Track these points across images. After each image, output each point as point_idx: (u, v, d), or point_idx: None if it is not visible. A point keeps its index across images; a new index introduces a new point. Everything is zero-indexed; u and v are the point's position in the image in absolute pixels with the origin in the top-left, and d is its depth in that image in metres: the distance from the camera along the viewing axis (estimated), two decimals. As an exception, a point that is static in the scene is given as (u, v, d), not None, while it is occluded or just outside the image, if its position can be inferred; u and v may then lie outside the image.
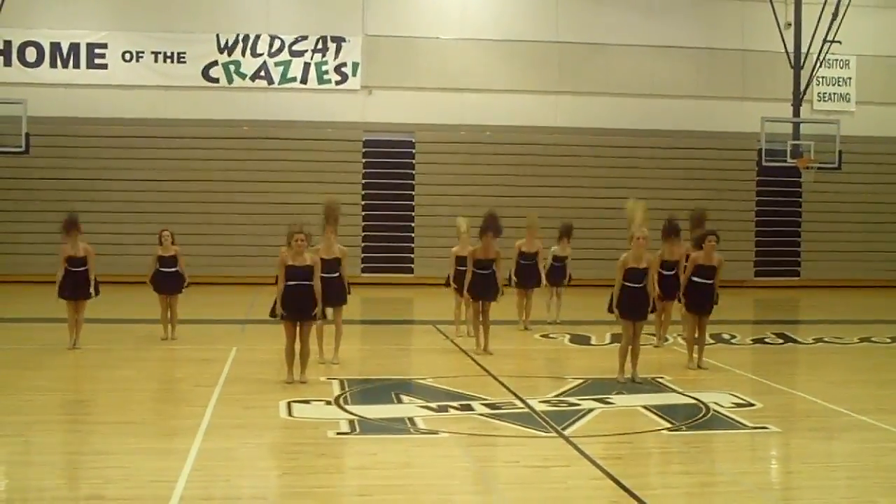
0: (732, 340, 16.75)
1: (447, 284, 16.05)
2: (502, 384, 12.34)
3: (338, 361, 13.69)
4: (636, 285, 12.46)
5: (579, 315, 18.60)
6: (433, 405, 11.03)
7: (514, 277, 17.48)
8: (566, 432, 9.72)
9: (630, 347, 12.61)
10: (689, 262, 13.74)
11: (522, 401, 11.21)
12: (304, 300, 12.00)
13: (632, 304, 12.51)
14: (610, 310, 12.75)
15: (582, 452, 8.91)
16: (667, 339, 16.02)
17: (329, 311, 13.34)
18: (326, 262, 12.81)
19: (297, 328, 12.11)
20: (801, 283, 28.58)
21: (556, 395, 11.66)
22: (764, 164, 26.47)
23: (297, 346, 12.14)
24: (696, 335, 13.73)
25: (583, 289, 19.68)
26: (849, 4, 25.64)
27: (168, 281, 15.67)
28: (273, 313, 12.20)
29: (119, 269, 22.54)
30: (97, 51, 27.46)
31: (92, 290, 14.71)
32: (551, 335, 17.04)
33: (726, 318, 16.94)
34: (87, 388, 11.90)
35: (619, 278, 12.51)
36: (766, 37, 27.55)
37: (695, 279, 13.56)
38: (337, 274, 13.20)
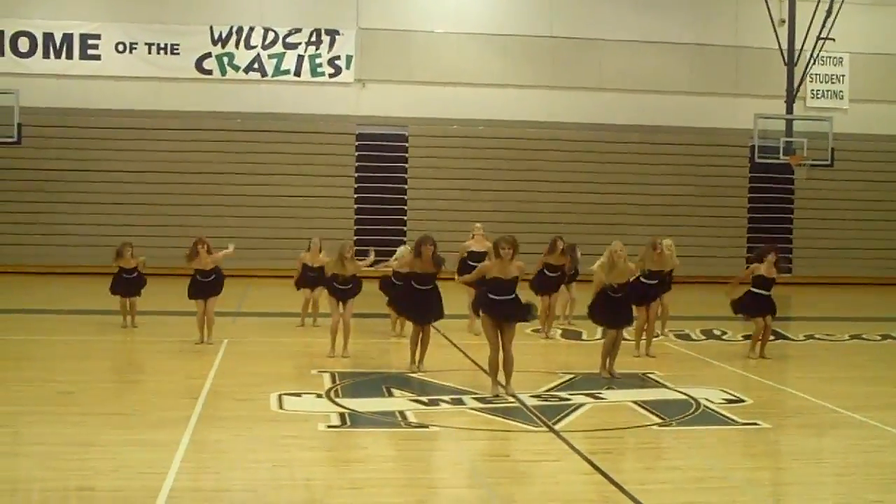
0: (724, 336, 16.76)
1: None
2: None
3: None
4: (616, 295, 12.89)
5: (575, 310, 18.49)
6: (424, 399, 11.02)
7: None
8: (557, 427, 9.72)
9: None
10: (747, 273, 14.67)
11: (513, 395, 11.20)
12: (509, 309, 11.37)
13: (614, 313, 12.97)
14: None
15: (572, 447, 8.92)
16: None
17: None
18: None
19: (500, 336, 11.38)
20: (792, 280, 28.51)
21: (547, 390, 11.66)
22: (757, 160, 26.49)
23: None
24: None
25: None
26: (842, 2, 25.66)
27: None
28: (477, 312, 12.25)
29: (109, 260, 22.46)
30: (90, 41, 27.40)
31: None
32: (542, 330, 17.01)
33: (718, 314, 16.91)
34: (76, 380, 11.84)
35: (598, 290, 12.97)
36: (759, 33, 27.56)
37: (754, 290, 14.41)
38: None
